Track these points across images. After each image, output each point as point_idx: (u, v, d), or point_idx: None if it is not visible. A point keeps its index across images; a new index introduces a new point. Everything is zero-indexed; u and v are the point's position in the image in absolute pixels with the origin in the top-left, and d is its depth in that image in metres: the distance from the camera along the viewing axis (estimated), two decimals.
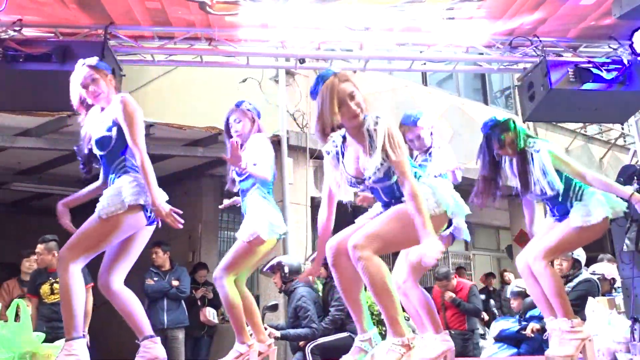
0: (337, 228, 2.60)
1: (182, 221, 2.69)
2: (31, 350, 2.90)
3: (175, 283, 5.76)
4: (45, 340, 3.18)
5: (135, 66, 5.55)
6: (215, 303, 6.37)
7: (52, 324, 4.67)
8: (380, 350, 2.27)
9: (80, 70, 2.83)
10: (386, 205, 2.54)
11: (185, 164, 7.04)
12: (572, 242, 3.10)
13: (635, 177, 3.94)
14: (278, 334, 4.86)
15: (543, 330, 4.42)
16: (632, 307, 3.67)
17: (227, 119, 3.40)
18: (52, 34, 4.50)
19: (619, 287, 5.24)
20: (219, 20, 4.58)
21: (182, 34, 4.69)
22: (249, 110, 3.38)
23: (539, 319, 4.69)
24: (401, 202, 2.42)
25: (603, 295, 4.99)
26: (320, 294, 5.37)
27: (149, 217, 2.72)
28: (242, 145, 3.25)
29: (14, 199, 8.33)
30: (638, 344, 3.57)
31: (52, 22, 4.45)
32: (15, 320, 3.02)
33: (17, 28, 4.37)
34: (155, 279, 5.73)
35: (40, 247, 4.89)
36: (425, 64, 5.16)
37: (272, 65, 6.12)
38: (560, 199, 3.11)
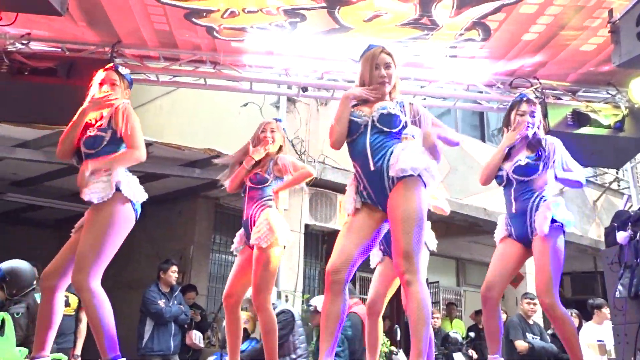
0: None
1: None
2: None
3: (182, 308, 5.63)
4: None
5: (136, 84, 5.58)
6: (201, 326, 6.27)
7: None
8: None
9: None
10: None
11: (180, 184, 7.03)
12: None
13: (629, 223, 3.95)
14: None
15: None
16: (623, 354, 3.65)
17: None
18: (59, 49, 4.54)
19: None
20: (225, 45, 4.64)
21: (188, 56, 4.74)
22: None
23: None
24: None
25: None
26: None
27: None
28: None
29: (5, 209, 8.27)
30: None
31: (60, 38, 4.49)
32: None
33: (24, 42, 4.42)
34: (164, 300, 5.49)
35: None
36: (425, 99, 5.21)
37: (274, 91, 6.17)
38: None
